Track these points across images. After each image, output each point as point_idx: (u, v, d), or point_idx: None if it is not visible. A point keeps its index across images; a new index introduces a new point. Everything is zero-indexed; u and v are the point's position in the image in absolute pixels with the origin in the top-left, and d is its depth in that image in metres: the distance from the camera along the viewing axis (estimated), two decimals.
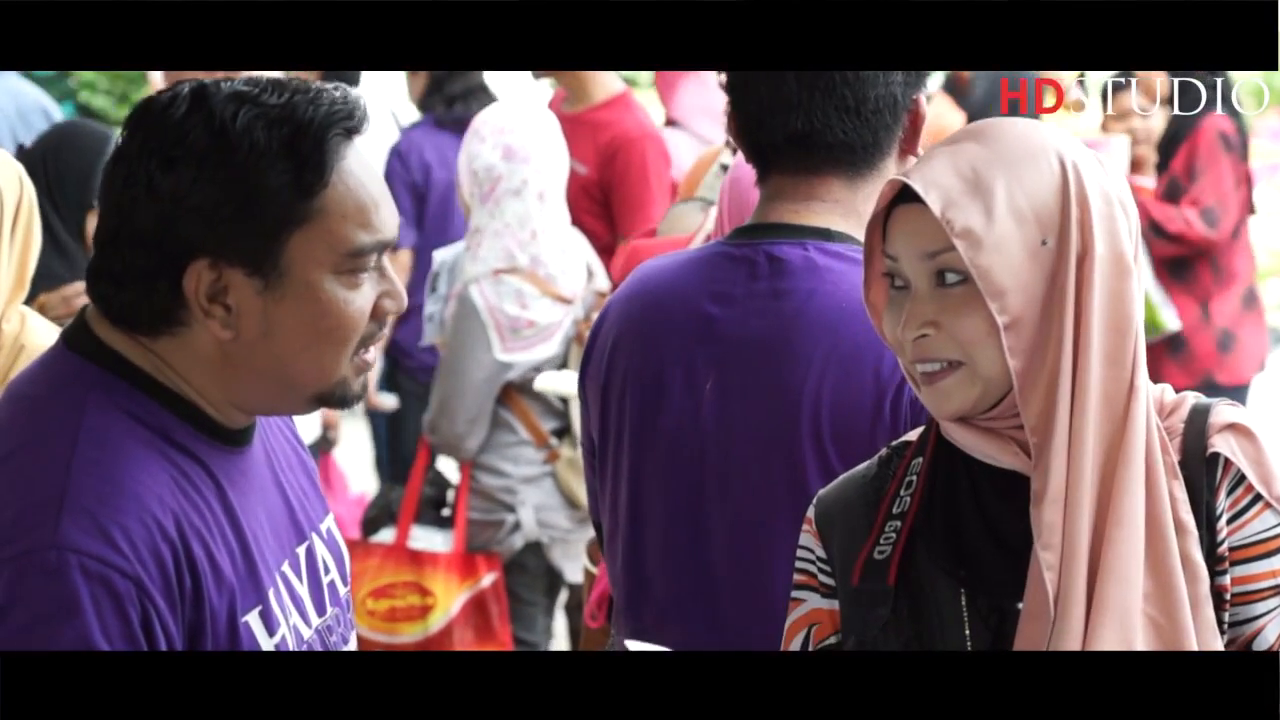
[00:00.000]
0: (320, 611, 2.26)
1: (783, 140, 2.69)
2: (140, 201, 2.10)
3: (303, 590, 2.24)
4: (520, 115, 5.35)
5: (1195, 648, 2.12)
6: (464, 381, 5.26)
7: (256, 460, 2.23)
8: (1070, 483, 2.11)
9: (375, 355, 2.20)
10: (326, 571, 2.30)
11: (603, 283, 5.41)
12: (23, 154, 5.18)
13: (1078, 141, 2.21)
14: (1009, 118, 2.24)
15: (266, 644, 2.14)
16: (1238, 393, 6.73)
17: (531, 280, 5.24)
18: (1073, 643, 2.09)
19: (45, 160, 5.08)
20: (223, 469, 2.16)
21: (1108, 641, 2.09)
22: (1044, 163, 2.15)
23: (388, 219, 2.16)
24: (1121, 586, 2.11)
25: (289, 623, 2.19)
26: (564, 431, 5.32)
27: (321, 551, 2.30)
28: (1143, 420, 2.14)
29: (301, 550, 2.26)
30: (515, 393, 5.29)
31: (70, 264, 4.99)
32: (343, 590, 2.33)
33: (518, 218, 5.24)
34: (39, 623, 2.00)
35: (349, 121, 2.13)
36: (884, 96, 2.68)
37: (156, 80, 9.75)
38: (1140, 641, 2.11)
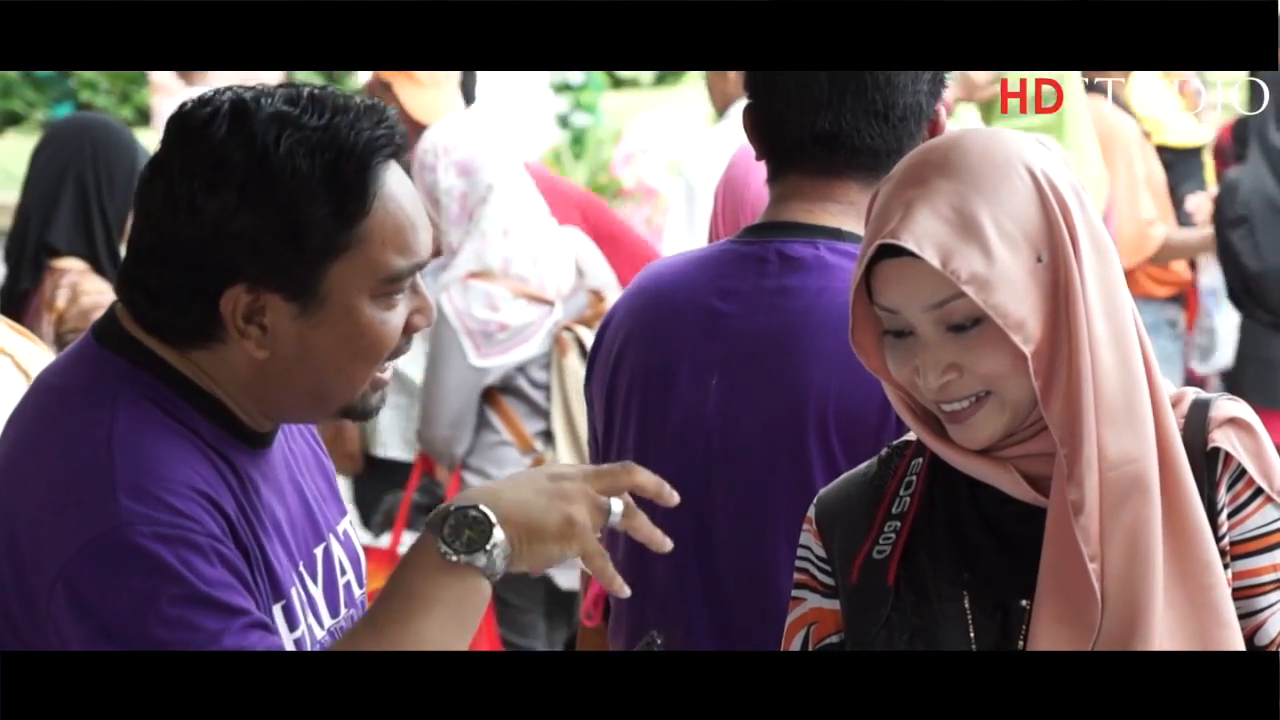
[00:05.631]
0: (334, 613, 2.27)
1: (808, 139, 2.68)
2: (180, 222, 2.10)
3: (317, 591, 2.25)
4: (459, 128, 5.36)
5: (1235, 647, 2.13)
6: (441, 389, 5.29)
7: (276, 461, 2.24)
8: (1105, 491, 2.11)
9: (390, 370, 2.21)
10: (343, 573, 2.31)
11: (595, 280, 5.41)
12: (56, 151, 5.16)
13: (1029, 138, 2.20)
14: (964, 133, 2.20)
15: (288, 638, 2.15)
16: None
17: (503, 282, 5.25)
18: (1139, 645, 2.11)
19: (91, 165, 5.05)
20: (246, 468, 2.17)
21: (1167, 645, 2.11)
22: (1015, 178, 2.12)
23: (424, 240, 2.16)
24: (1173, 577, 2.12)
25: (305, 622, 2.20)
26: (548, 434, 5.31)
27: (338, 553, 2.31)
28: (1167, 405, 2.15)
29: (319, 551, 2.27)
30: (499, 395, 5.30)
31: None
32: (358, 592, 2.34)
33: (490, 221, 5.26)
34: (141, 599, 2.01)
35: (389, 147, 2.13)
36: (912, 105, 2.68)
37: (156, 80, 9.74)
38: (1192, 644, 2.12)
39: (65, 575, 2.03)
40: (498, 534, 2.06)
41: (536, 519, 2.07)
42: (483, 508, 2.06)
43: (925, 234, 2.10)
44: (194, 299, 2.11)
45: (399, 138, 2.14)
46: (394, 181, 2.14)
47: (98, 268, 5.01)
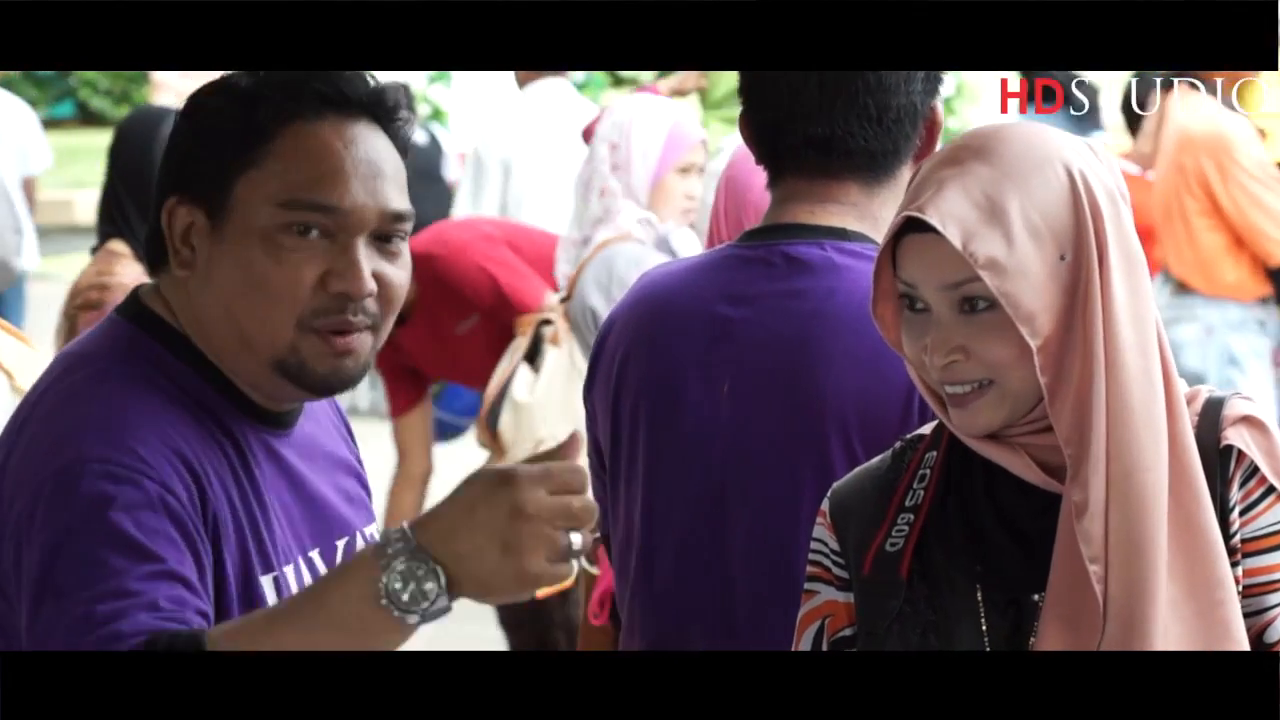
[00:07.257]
0: None
1: (802, 145, 2.67)
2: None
3: None
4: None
5: (1240, 648, 2.13)
6: None
7: (296, 449, 2.27)
8: (1111, 495, 2.11)
9: (357, 344, 2.17)
10: None
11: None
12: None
13: (1077, 140, 2.21)
14: (1010, 125, 2.22)
15: None
16: None
17: None
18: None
19: (115, 156, 5.11)
20: (250, 441, 2.20)
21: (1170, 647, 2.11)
22: (1051, 174, 2.14)
23: (353, 195, 2.14)
24: (1183, 592, 2.13)
25: None
26: None
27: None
28: (1185, 419, 2.16)
29: (340, 543, 2.29)
30: None
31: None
32: None
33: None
34: (66, 533, 2.03)
35: (331, 91, 2.17)
36: (905, 106, 2.67)
37: (156, 80, 9.72)
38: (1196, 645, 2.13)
39: (22, 516, 2.07)
40: (441, 601, 1.86)
41: (488, 578, 1.86)
42: (437, 568, 1.85)
43: (950, 213, 2.12)
44: (155, 219, 2.21)
45: (361, 96, 2.18)
46: (337, 131, 2.16)
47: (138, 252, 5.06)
